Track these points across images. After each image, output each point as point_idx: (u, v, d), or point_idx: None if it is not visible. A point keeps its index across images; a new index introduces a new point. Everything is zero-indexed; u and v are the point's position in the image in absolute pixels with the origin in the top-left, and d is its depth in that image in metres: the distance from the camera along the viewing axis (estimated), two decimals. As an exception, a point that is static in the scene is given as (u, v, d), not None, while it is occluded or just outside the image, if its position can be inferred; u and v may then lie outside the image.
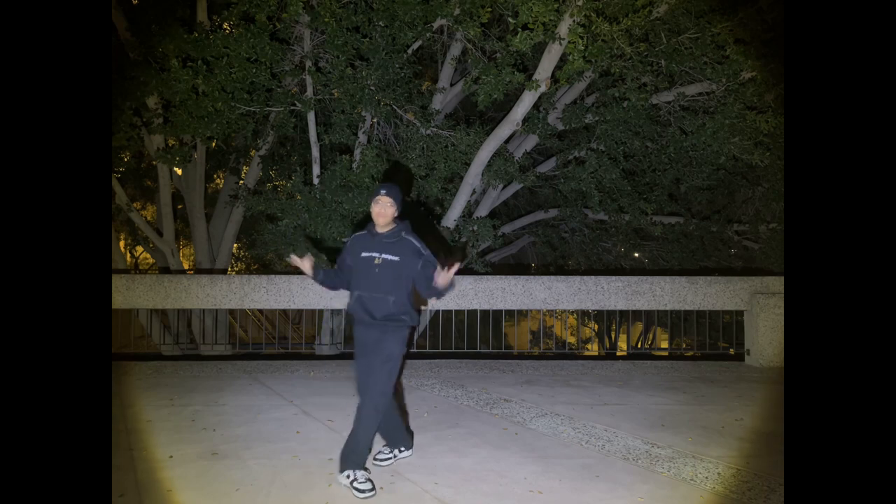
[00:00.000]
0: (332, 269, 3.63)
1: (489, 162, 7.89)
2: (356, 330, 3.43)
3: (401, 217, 3.41)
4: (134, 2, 10.26)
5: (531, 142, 9.07)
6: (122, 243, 15.31)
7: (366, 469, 3.20)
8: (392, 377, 3.25)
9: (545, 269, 13.13)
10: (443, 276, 3.22)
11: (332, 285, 3.61)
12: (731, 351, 8.30)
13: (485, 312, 7.09)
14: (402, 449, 3.58)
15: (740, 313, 6.93)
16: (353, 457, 3.15)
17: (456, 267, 3.22)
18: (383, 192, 3.33)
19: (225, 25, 7.83)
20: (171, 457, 3.56)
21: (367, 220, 3.48)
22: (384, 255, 3.31)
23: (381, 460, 3.49)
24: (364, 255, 3.34)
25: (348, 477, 3.12)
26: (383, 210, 3.31)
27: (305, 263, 3.40)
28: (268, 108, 7.63)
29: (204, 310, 9.52)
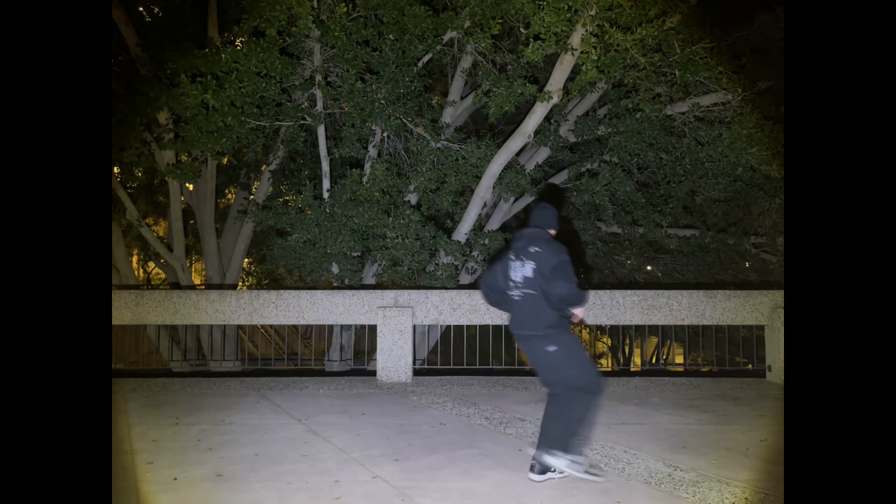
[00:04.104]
0: None
1: (500, 175, 7.80)
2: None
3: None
4: (147, 19, 10.37)
5: (543, 154, 8.97)
6: (134, 259, 15.36)
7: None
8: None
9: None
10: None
11: None
12: (750, 366, 8.08)
13: (497, 327, 6.94)
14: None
15: (758, 328, 6.74)
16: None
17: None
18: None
19: (237, 43, 7.84)
20: (176, 479, 3.45)
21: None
22: None
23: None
24: None
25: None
26: None
27: None
28: (278, 123, 7.61)
29: (213, 325, 9.46)
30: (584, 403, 3.39)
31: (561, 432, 3.37)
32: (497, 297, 3.68)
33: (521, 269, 3.44)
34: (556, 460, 3.35)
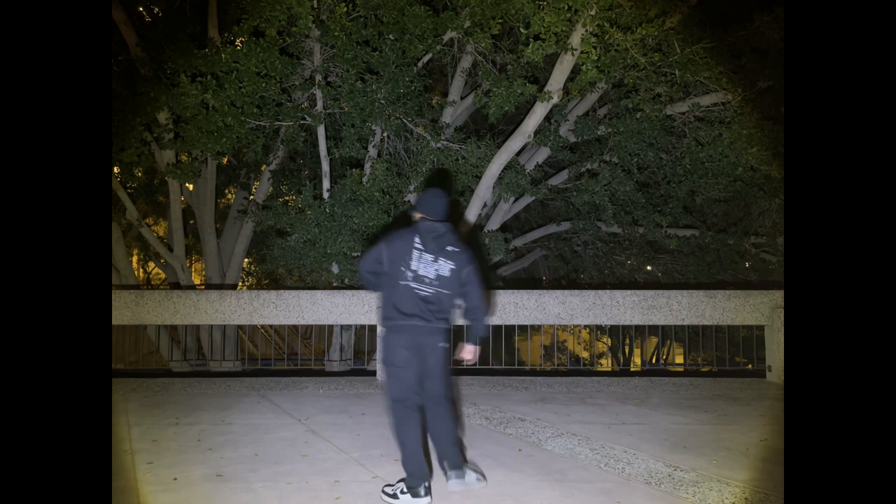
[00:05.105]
0: None
1: (500, 175, 7.80)
2: None
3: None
4: (146, 19, 10.37)
5: (543, 154, 8.97)
6: (134, 259, 15.36)
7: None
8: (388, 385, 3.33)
9: (557, 283, 12.96)
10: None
11: None
12: (750, 367, 8.08)
13: (497, 327, 6.95)
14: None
15: (758, 328, 6.73)
16: None
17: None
18: None
19: (237, 42, 7.84)
20: (176, 479, 3.45)
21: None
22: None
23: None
24: None
25: None
26: None
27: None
28: (278, 123, 7.60)
29: (213, 325, 9.46)
30: (453, 414, 3.33)
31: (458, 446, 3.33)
32: (377, 282, 3.35)
33: (433, 265, 3.23)
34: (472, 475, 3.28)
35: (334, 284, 8.15)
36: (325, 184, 7.95)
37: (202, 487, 3.33)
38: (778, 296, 6.46)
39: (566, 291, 6.48)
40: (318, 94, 7.48)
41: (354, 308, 6.35)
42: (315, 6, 6.78)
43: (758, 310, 6.43)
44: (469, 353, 3.39)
